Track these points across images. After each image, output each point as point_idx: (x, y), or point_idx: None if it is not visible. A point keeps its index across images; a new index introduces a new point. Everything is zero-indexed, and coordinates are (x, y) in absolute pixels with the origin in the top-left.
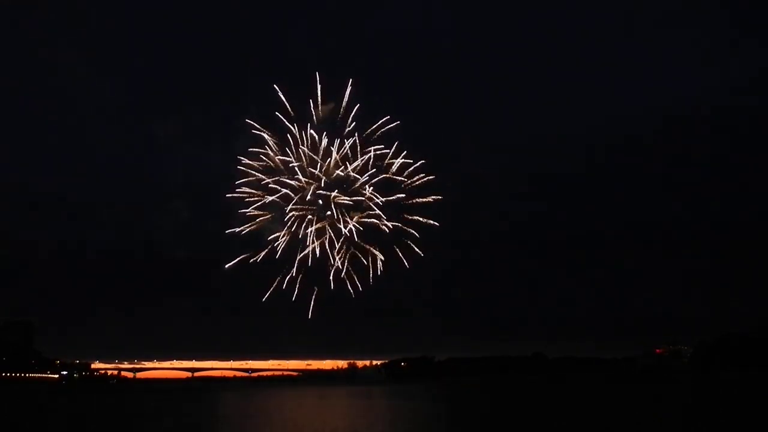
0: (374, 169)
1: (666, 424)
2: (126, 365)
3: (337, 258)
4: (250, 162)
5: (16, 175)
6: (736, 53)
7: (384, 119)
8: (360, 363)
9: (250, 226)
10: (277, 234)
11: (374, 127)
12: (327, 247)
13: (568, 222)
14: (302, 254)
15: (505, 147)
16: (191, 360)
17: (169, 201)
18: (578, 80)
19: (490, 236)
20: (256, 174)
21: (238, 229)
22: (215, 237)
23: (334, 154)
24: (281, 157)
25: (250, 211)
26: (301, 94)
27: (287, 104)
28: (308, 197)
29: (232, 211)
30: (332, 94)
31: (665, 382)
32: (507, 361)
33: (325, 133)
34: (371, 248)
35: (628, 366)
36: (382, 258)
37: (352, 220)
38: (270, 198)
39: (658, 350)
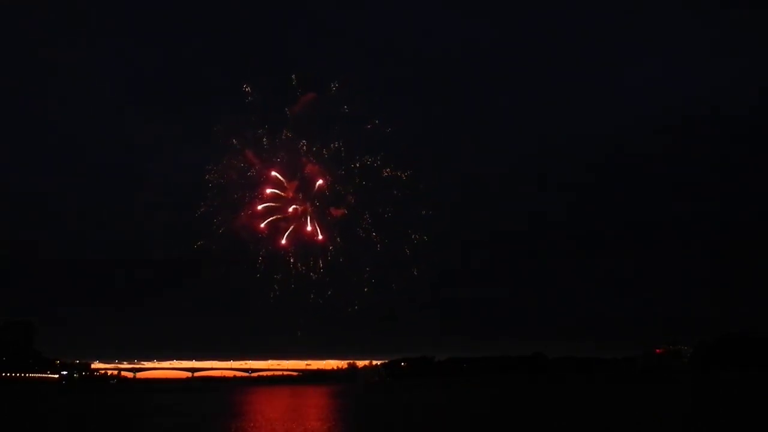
0: (361, 179)
1: (666, 424)
2: (126, 365)
3: (321, 275)
4: (222, 171)
5: (16, 176)
6: (736, 53)
7: (376, 122)
8: (360, 363)
9: (222, 242)
10: (255, 249)
11: (366, 129)
12: (310, 263)
13: (568, 222)
14: (282, 272)
15: (504, 147)
16: (191, 360)
17: (169, 201)
18: (578, 80)
19: (490, 236)
20: (230, 183)
21: (211, 245)
22: (218, 237)
23: (315, 159)
24: (259, 167)
25: (223, 227)
26: (292, 96)
27: (263, 106)
28: (289, 210)
29: (207, 223)
30: (325, 95)
31: (665, 382)
32: (507, 361)
33: (305, 141)
34: (358, 265)
35: (628, 366)
36: (370, 269)
37: (335, 234)
38: (244, 210)
39: (658, 350)
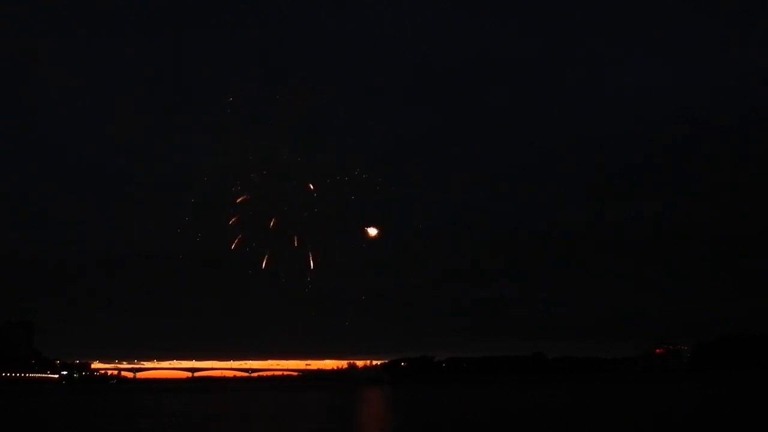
0: (351, 190)
1: (666, 425)
2: (126, 365)
3: (311, 290)
4: (206, 182)
5: (16, 176)
6: (735, 53)
7: (371, 123)
8: (360, 363)
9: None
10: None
11: (358, 137)
12: (297, 278)
13: (568, 222)
14: (271, 284)
15: (499, 148)
16: (191, 360)
17: (169, 201)
18: (581, 81)
19: (489, 237)
20: (217, 190)
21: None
22: (215, 237)
23: (302, 168)
24: (245, 174)
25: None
26: (283, 102)
27: (250, 113)
28: (271, 224)
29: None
30: (317, 101)
31: (665, 382)
32: (507, 361)
33: (291, 151)
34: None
35: (628, 366)
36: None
37: (324, 248)
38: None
39: (658, 350)
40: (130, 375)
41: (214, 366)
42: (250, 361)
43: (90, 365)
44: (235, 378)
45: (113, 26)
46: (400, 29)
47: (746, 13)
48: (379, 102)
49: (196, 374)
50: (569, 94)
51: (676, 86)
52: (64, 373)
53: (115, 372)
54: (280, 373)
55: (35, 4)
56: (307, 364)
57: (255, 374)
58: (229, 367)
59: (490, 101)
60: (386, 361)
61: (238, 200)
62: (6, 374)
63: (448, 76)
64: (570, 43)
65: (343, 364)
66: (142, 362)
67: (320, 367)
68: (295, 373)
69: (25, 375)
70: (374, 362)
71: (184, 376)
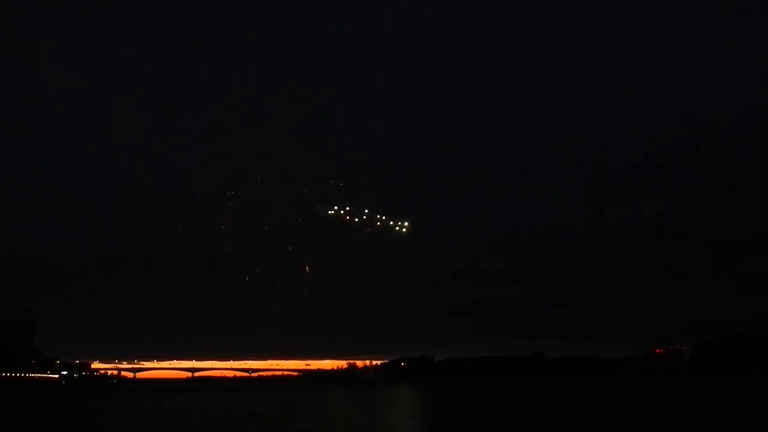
0: (350, 192)
1: (666, 425)
2: (126, 365)
3: (309, 292)
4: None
5: (16, 176)
6: (735, 53)
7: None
8: (360, 363)
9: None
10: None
11: (358, 137)
12: (295, 282)
13: (568, 222)
14: (268, 286)
15: (499, 148)
16: (191, 360)
17: (169, 201)
18: (570, 80)
19: (489, 237)
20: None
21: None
22: (216, 237)
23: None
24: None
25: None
26: (282, 102)
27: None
28: (266, 227)
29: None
30: (320, 98)
31: (665, 382)
32: (507, 361)
33: (288, 152)
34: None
35: (628, 366)
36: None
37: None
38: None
39: (658, 350)
40: (130, 375)
41: (214, 366)
42: (250, 361)
43: (90, 365)
44: (235, 378)
45: (113, 26)
46: (400, 29)
47: (746, 13)
48: (379, 102)
49: (196, 374)
50: (569, 94)
51: (676, 86)
52: (64, 373)
53: (115, 372)
54: (280, 373)
55: (35, 4)
56: (307, 364)
57: (255, 374)
58: (229, 367)
59: (490, 101)
60: (386, 361)
61: (230, 205)
62: (6, 374)
63: (448, 76)
64: (570, 43)
65: (343, 364)
66: (142, 362)
67: (320, 367)
68: (295, 373)
69: (25, 375)
70: (374, 362)
71: (184, 376)
